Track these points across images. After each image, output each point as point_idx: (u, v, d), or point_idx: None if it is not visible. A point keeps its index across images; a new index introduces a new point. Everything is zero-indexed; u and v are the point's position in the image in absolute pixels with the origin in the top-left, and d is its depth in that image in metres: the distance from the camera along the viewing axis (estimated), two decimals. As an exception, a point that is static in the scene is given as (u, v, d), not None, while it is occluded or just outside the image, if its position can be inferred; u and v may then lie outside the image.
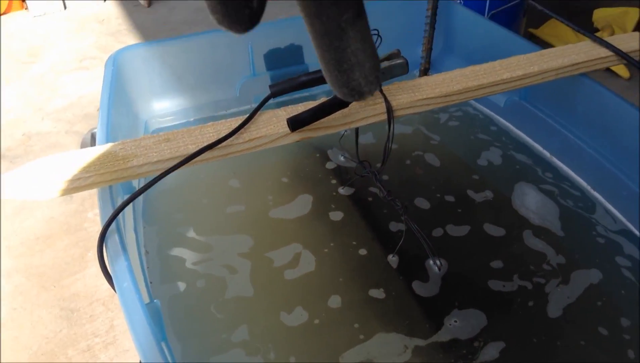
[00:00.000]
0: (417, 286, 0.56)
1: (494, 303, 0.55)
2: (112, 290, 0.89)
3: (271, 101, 0.81)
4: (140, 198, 0.66)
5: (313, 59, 0.84)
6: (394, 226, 0.63)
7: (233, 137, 0.52)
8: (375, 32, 0.52)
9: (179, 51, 0.78)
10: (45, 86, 1.61)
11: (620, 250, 0.61)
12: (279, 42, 0.80)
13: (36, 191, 0.47)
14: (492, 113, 0.82)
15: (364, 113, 0.56)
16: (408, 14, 0.87)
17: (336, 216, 0.64)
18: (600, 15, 1.73)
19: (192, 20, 1.98)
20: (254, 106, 0.55)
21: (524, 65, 0.63)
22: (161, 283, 0.56)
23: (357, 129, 0.65)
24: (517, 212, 0.66)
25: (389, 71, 0.56)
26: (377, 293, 0.55)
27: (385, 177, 0.70)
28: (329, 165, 0.73)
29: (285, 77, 0.56)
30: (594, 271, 0.58)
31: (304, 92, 0.78)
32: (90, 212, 1.08)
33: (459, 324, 0.52)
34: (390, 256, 0.59)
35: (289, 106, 0.57)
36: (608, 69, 1.58)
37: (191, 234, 0.62)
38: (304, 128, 0.53)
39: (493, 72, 0.62)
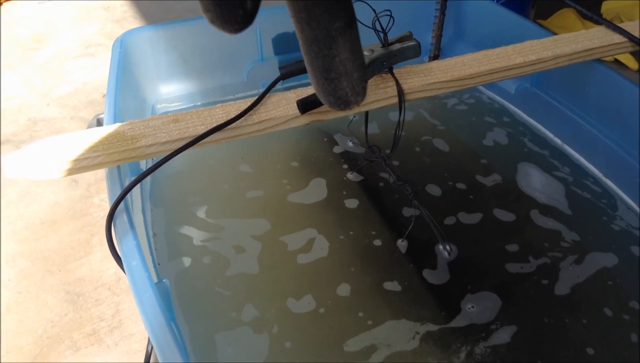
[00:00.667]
0: (427, 272, 0.55)
1: (507, 286, 0.54)
2: (118, 273, 0.89)
3: (280, 86, 0.81)
4: (148, 180, 0.66)
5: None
6: (407, 212, 0.63)
7: (242, 119, 0.51)
8: (388, 12, 0.51)
9: (187, 34, 0.77)
10: (51, 72, 1.61)
11: (634, 236, 0.60)
12: (287, 26, 0.80)
13: (42, 170, 0.46)
14: (503, 100, 0.81)
15: (374, 96, 0.55)
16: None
17: (351, 203, 0.63)
18: (609, 7, 1.71)
19: (197, 8, 1.95)
20: (262, 90, 0.54)
21: (538, 50, 0.62)
22: (169, 264, 0.55)
23: (366, 114, 0.64)
24: (528, 195, 0.65)
25: (401, 54, 0.55)
26: (389, 281, 0.55)
27: (395, 163, 0.69)
28: (337, 149, 0.72)
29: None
30: (609, 255, 0.58)
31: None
32: (96, 197, 1.08)
33: (476, 309, 0.52)
34: (399, 241, 0.58)
35: (299, 89, 0.56)
36: (617, 61, 1.57)
37: (201, 216, 0.62)
38: (314, 111, 0.53)
39: (506, 57, 0.61)
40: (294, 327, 0.51)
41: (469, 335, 0.50)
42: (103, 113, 0.58)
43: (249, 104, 0.53)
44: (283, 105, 0.54)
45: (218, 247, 0.58)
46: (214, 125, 0.50)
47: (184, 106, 0.79)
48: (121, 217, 0.43)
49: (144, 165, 0.61)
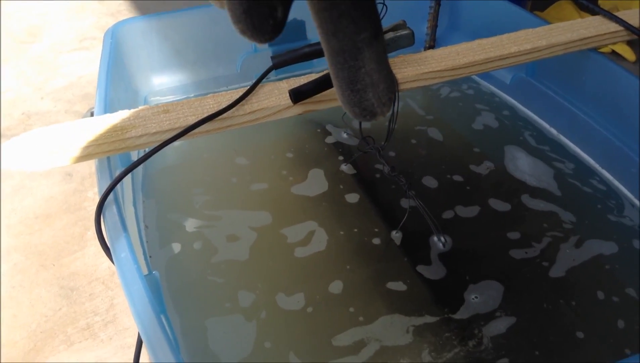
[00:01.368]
0: (423, 265, 0.55)
1: (506, 273, 0.54)
2: (113, 268, 0.88)
3: (274, 77, 0.80)
4: (140, 173, 0.65)
5: (316, 35, 0.82)
6: (405, 203, 0.62)
7: (234, 109, 0.51)
8: (381, 1, 0.51)
9: (179, 25, 0.76)
10: (45, 65, 1.59)
11: (630, 226, 0.60)
12: (281, 17, 0.79)
13: (33, 161, 0.46)
14: (498, 91, 0.81)
15: (368, 86, 0.55)
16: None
17: (350, 197, 0.63)
18: (607, -3, 1.70)
19: (192, 2, 1.95)
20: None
21: (533, 39, 0.61)
22: (160, 256, 0.55)
23: (360, 104, 0.63)
24: (523, 181, 0.65)
25: (394, 43, 0.55)
26: (384, 276, 0.54)
27: (391, 153, 0.68)
28: (329, 140, 0.71)
29: (288, 54, 0.55)
30: (605, 243, 0.58)
31: (306, 68, 0.77)
32: (90, 191, 1.07)
33: (479, 299, 0.52)
34: (394, 232, 0.58)
35: (291, 79, 0.56)
36: (614, 52, 1.57)
37: (195, 208, 0.61)
38: (307, 101, 0.52)
39: (500, 46, 0.60)
40: (284, 320, 0.50)
41: (466, 327, 0.50)
42: (96, 107, 0.58)
43: (240, 94, 0.52)
44: (275, 95, 0.53)
45: (212, 238, 0.57)
46: (205, 115, 0.49)
47: (177, 98, 0.78)
48: (110, 209, 0.43)
49: (135, 157, 0.61)
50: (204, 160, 0.69)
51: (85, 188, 1.08)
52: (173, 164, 0.68)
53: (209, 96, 0.53)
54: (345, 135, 0.72)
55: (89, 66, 1.58)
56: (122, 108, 0.51)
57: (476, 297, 0.52)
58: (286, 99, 0.52)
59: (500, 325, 0.49)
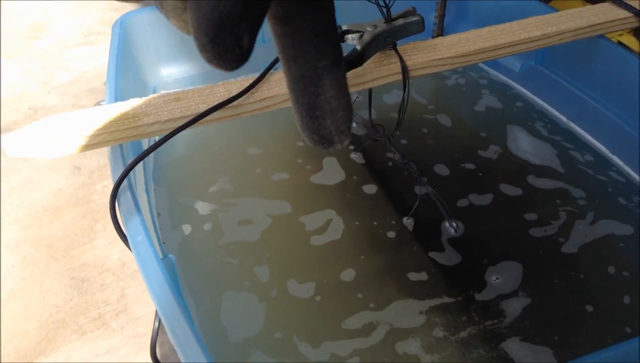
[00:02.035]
0: (435, 252, 0.55)
1: (522, 253, 0.54)
2: (123, 259, 0.89)
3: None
4: (151, 162, 0.66)
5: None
6: (417, 191, 0.62)
7: (244, 96, 0.51)
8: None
9: (187, 15, 0.76)
10: (50, 61, 1.60)
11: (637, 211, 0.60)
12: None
13: (43, 149, 0.46)
14: (507, 79, 0.81)
15: (378, 73, 0.55)
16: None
17: (364, 186, 0.63)
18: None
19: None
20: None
21: (542, 25, 0.61)
22: (173, 242, 0.55)
23: (370, 91, 0.63)
24: (531, 163, 0.65)
25: (404, 29, 0.55)
26: (398, 263, 0.55)
27: (403, 141, 0.68)
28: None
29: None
30: (619, 225, 0.58)
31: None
32: (98, 184, 1.07)
33: (500, 280, 0.52)
34: (405, 219, 0.58)
35: (302, 67, 0.56)
36: (620, 44, 1.56)
37: (207, 195, 0.61)
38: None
39: (510, 33, 0.60)
40: (295, 304, 0.51)
41: (483, 307, 0.50)
42: (104, 100, 0.58)
43: (251, 82, 0.52)
44: (285, 83, 0.53)
45: (224, 223, 0.58)
46: (216, 103, 0.50)
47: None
48: (125, 195, 0.43)
49: (145, 146, 0.61)
50: (215, 151, 0.69)
51: (93, 181, 1.09)
52: (184, 155, 0.68)
53: (219, 83, 0.53)
54: (354, 124, 0.72)
55: (94, 61, 1.59)
56: (132, 97, 0.51)
57: (497, 278, 0.52)
58: (297, 86, 0.52)
59: (516, 304, 0.50)
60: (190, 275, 0.52)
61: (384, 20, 0.53)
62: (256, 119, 0.51)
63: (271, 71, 0.54)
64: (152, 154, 0.63)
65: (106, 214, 1.00)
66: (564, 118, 0.72)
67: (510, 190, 0.63)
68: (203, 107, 0.50)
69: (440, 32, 0.86)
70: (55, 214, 1.01)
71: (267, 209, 0.60)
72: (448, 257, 0.54)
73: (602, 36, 0.64)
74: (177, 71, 0.79)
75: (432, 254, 0.55)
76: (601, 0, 0.68)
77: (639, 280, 0.52)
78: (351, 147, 0.69)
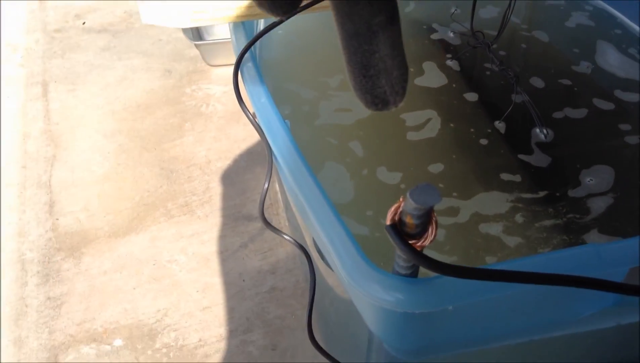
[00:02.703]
0: (524, 154, 0.56)
1: (615, 159, 0.55)
2: (209, 156, 0.94)
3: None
4: (257, 54, 0.69)
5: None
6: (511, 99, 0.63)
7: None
8: None
9: None
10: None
11: None
12: None
13: (173, 18, 0.49)
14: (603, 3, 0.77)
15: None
16: None
17: (471, 96, 0.64)
18: None
19: None
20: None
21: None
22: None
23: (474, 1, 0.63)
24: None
25: None
26: (487, 164, 0.56)
27: (502, 53, 0.68)
28: (435, 36, 0.72)
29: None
30: None
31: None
32: (187, 88, 1.12)
33: (594, 181, 0.54)
34: (497, 123, 0.59)
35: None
36: None
37: (309, 85, 0.64)
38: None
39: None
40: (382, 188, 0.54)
41: (569, 204, 0.51)
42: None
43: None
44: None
45: (323, 110, 0.60)
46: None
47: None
48: (247, 64, 0.46)
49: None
50: (317, 54, 0.71)
51: (182, 84, 1.14)
52: (285, 57, 0.70)
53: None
54: (451, 34, 0.72)
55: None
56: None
57: (591, 180, 0.53)
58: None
59: (602, 202, 0.51)
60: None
61: None
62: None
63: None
64: (258, 47, 0.65)
65: (194, 115, 1.06)
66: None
67: (603, 105, 0.62)
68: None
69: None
70: (148, 110, 1.07)
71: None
72: (537, 159, 0.56)
73: None
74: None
75: (521, 156, 0.56)
76: None
77: None
78: (448, 55, 0.69)
